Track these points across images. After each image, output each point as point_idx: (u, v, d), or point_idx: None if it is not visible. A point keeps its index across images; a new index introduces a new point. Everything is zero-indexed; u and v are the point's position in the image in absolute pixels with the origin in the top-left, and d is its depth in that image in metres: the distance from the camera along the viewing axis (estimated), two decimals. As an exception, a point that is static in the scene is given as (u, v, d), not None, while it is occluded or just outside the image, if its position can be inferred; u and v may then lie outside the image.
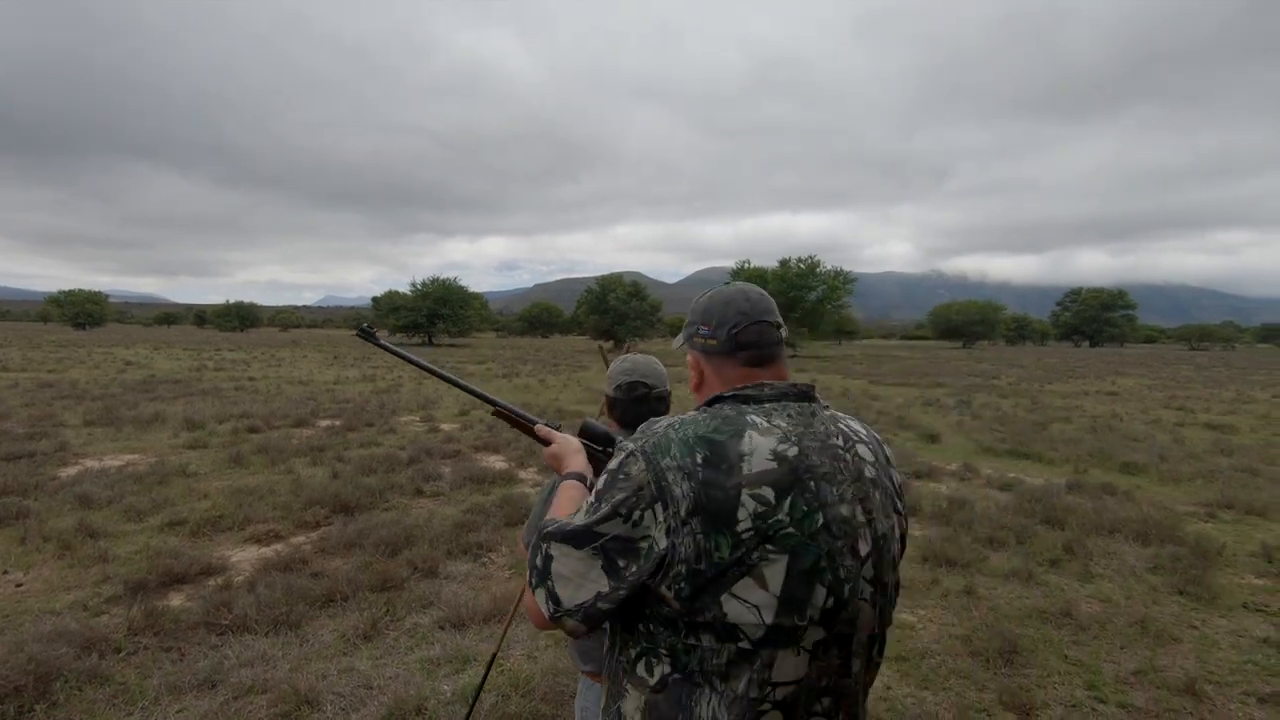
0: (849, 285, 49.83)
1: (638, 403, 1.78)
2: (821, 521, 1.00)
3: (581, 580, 1.02)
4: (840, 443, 1.08)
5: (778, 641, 0.97)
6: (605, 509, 1.02)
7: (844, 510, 1.02)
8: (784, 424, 1.06)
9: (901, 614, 4.14)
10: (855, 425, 1.15)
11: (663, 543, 0.98)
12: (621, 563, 1.00)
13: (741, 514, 0.97)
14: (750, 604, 0.96)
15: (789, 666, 0.99)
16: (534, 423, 1.49)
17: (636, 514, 1.00)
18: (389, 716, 2.96)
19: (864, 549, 1.03)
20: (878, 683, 3.35)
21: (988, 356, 51.08)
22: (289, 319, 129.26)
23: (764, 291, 1.25)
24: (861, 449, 1.10)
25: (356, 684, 3.22)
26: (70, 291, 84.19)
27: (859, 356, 47.34)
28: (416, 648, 3.60)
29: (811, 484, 1.01)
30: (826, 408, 1.15)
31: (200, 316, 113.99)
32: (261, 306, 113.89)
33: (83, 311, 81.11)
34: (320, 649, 3.55)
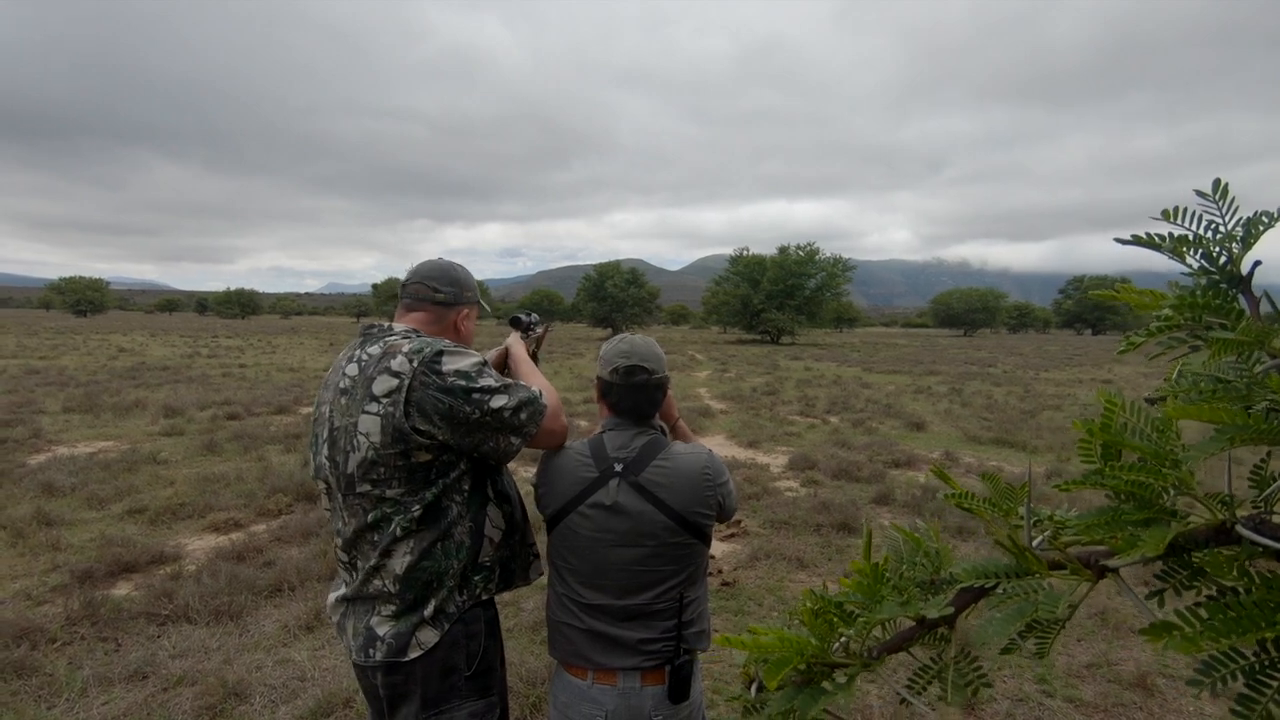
0: (848, 273, 49.55)
1: (635, 389, 1.61)
2: (315, 414, 1.55)
3: None
4: (344, 363, 1.49)
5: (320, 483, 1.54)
6: None
7: (323, 409, 1.51)
8: (348, 349, 1.54)
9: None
10: (371, 350, 1.47)
11: None
12: None
13: None
14: None
15: (324, 504, 1.55)
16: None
17: None
18: (317, 709, 2.90)
19: (324, 434, 1.48)
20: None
21: (987, 344, 50.88)
22: (290, 306, 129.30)
23: (444, 266, 1.66)
24: (349, 368, 1.47)
25: (290, 675, 3.17)
26: (71, 278, 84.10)
27: (857, 344, 47.19)
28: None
29: (322, 388, 1.54)
30: (382, 340, 1.48)
31: (202, 303, 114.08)
32: (263, 294, 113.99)
33: (83, 298, 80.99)
34: (260, 639, 3.50)
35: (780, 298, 47.31)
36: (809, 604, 0.73)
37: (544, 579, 1.70)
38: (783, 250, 49.79)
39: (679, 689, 1.53)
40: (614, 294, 53.78)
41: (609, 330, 52.03)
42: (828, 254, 49.47)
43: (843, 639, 0.73)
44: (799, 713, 0.67)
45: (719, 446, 8.98)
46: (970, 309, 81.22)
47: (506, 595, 3.39)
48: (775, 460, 8.16)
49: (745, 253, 52.85)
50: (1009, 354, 35.34)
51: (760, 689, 0.75)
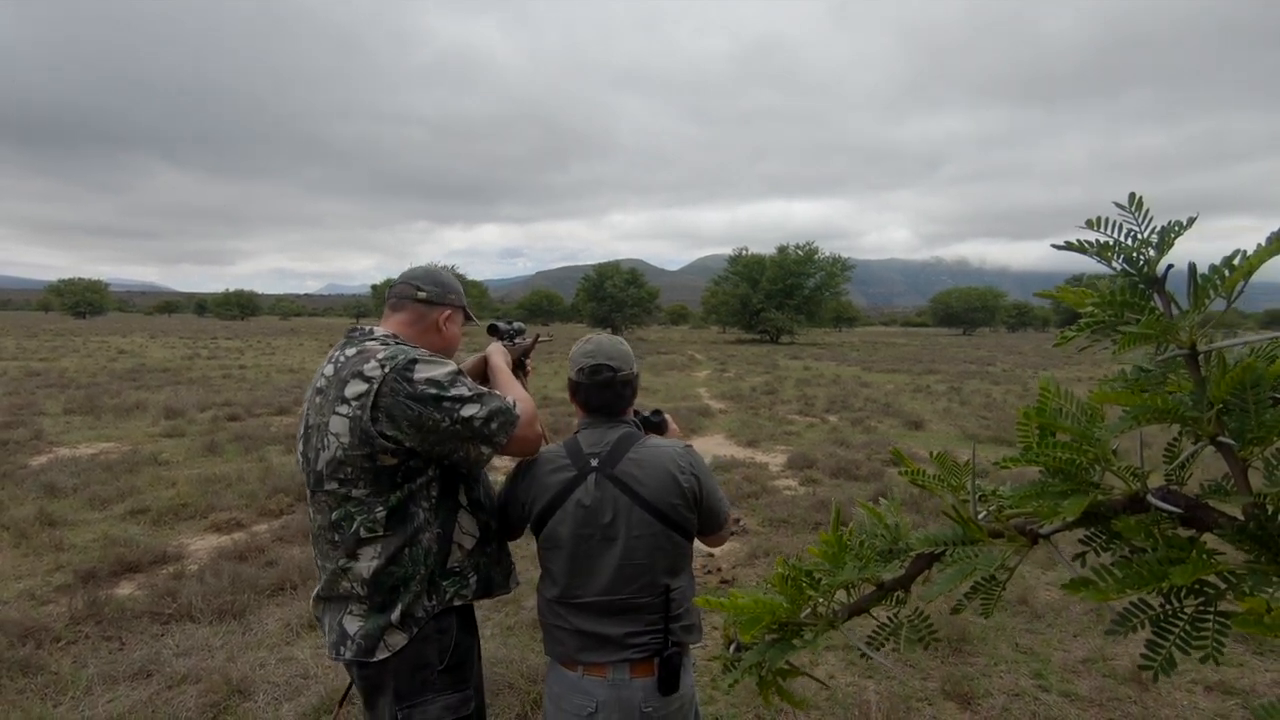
0: (847, 272, 49.61)
1: (602, 387, 1.65)
2: (302, 412, 1.59)
3: None
4: (326, 364, 1.54)
5: None
6: None
7: (305, 407, 1.56)
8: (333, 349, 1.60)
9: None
10: (348, 351, 1.52)
11: None
12: None
13: None
14: None
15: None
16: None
17: None
18: (320, 706, 2.93)
19: (301, 430, 1.55)
20: (820, 670, 3.32)
21: (986, 343, 50.93)
22: (289, 307, 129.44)
23: (429, 268, 1.74)
24: (327, 368, 1.52)
25: (293, 673, 3.20)
26: (70, 280, 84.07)
27: (857, 343, 47.24)
28: (360, 637, 3.57)
29: (309, 390, 1.57)
30: (361, 344, 1.53)
31: (201, 305, 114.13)
32: (263, 295, 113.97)
33: (83, 300, 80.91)
34: (263, 638, 3.53)
35: (779, 297, 47.35)
36: (780, 571, 0.78)
37: (532, 582, 1.73)
38: (782, 250, 49.83)
39: (668, 681, 1.56)
40: (613, 294, 53.83)
41: (609, 330, 52.08)
42: (827, 253, 49.54)
43: (812, 603, 0.78)
44: (769, 663, 0.73)
45: (718, 446, 9.01)
46: (969, 308, 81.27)
47: (508, 594, 3.40)
48: (774, 459, 8.19)
49: (744, 252, 52.86)
50: (1008, 353, 35.38)
51: (738, 648, 0.80)
